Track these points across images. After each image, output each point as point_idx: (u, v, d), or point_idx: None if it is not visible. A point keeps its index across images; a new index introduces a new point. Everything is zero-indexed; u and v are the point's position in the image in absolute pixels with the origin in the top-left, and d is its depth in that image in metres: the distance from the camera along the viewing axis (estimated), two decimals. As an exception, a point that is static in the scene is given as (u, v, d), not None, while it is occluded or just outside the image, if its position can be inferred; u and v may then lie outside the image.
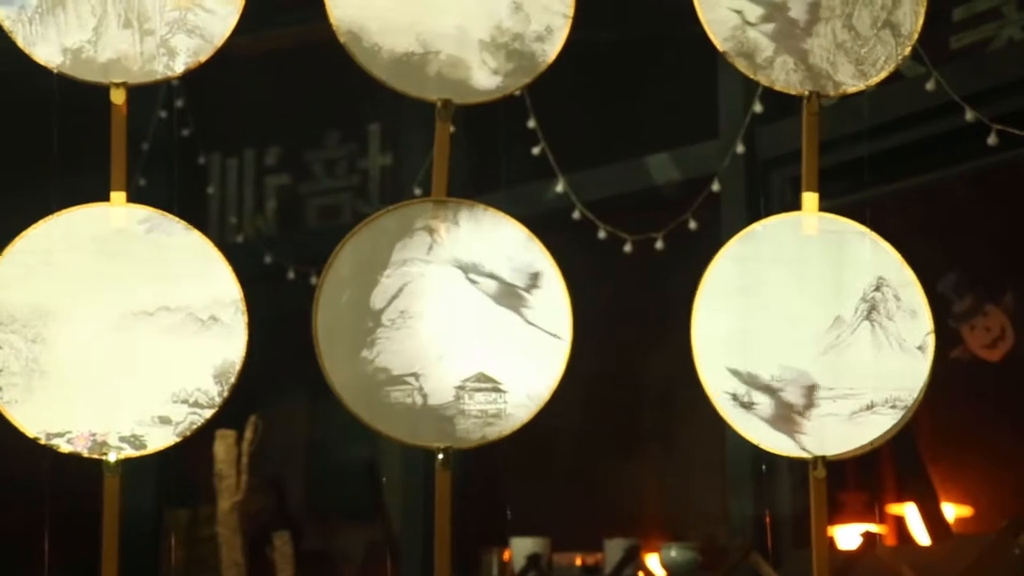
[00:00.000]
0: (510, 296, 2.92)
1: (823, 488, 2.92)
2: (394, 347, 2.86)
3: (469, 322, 2.89)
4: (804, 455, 2.91)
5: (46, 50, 2.81)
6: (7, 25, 2.80)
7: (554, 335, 2.91)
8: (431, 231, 2.90)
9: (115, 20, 2.83)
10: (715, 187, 5.20)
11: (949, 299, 4.84)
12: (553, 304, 2.92)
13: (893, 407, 2.92)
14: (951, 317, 4.83)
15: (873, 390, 2.92)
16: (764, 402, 2.90)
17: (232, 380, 2.80)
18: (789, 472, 4.86)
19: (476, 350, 2.88)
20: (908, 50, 3.04)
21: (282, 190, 6.69)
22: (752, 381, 2.90)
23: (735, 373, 2.90)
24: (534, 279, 2.92)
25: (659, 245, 5.31)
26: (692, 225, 5.23)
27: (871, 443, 2.93)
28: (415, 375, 2.86)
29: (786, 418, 2.90)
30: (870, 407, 2.92)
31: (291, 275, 6.19)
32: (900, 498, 4.97)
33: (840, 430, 2.91)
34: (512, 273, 2.92)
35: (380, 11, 2.91)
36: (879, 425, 2.93)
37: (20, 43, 2.80)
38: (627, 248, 5.38)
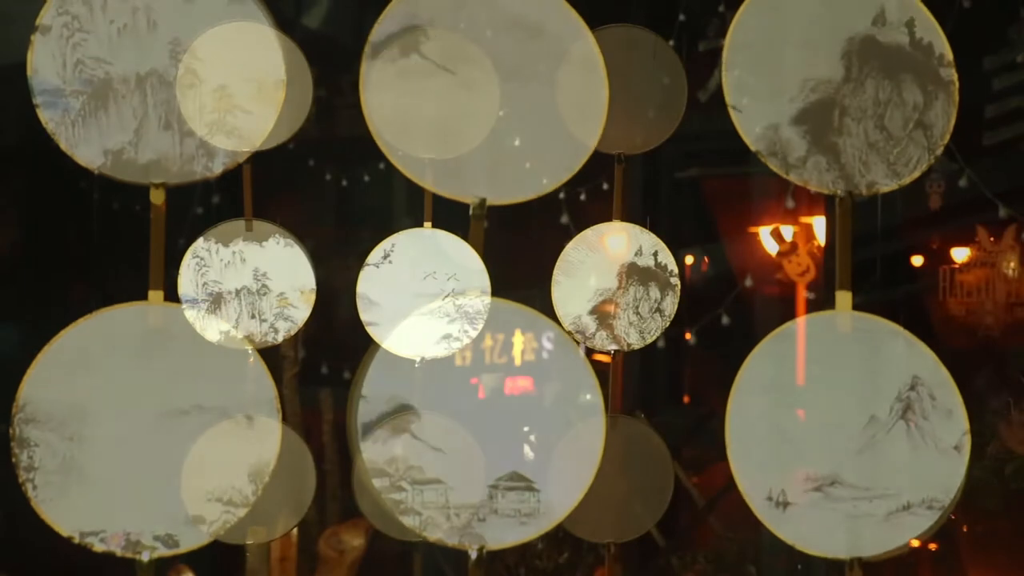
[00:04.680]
0: (545, 393, 2.92)
1: (860, 590, 2.89)
2: (426, 446, 2.86)
3: (502, 422, 2.89)
4: (840, 556, 2.88)
5: (87, 152, 2.84)
6: (51, 128, 2.84)
7: (586, 433, 2.90)
8: (465, 331, 2.91)
9: (156, 122, 2.87)
10: (748, 282, 5.20)
11: (985, 395, 4.81)
12: (585, 400, 2.92)
13: (930, 508, 2.89)
14: (988, 413, 4.79)
15: (909, 491, 2.89)
16: (799, 502, 2.87)
17: (266, 479, 2.80)
18: (825, 573, 4.80)
19: (508, 449, 2.87)
20: (940, 150, 3.05)
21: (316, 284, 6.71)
22: (786, 481, 2.87)
23: (769, 473, 2.88)
24: (567, 377, 2.92)
25: (691, 340, 5.30)
26: (725, 320, 5.22)
27: (907, 544, 2.90)
28: (447, 474, 2.85)
29: (821, 518, 2.88)
30: (906, 508, 2.89)
31: (324, 370, 6.20)
32: (939, 598, 4.90)
33: (876, 531, 2.88)
34: (546, 371, 2.92)
35: (416, 114, 2.94)
36: (916, 526, 2.89)
37: (63, 146, 2.83)
38: (660, 343, 5.36)
